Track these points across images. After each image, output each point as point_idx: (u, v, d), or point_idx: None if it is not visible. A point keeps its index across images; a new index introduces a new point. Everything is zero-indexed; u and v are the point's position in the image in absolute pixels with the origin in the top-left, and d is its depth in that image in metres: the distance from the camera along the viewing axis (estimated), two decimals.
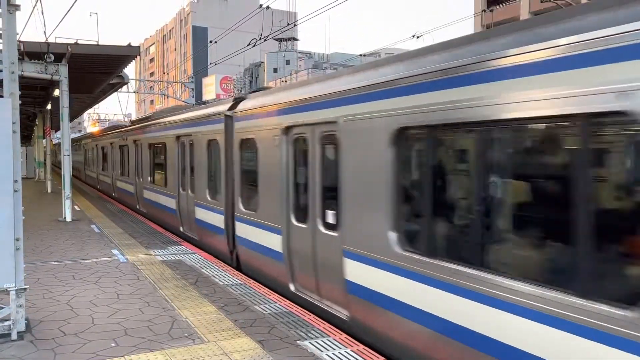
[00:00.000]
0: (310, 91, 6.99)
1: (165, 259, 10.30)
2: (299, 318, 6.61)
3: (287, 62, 77.92)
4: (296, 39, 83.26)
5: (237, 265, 9.71)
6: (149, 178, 16.32)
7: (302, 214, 7.20)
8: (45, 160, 31.34)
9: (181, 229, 12.98)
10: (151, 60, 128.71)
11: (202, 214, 11.25)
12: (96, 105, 45.51)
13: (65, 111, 16.32)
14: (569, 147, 3.87)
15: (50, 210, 18.35)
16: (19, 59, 7.30)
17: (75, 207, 18.83)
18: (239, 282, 8.45)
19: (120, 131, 21.69)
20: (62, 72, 16.01)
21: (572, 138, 3.76)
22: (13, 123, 5.95)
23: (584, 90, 3.53)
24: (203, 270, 9.25)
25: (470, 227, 4.65)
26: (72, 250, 11.22)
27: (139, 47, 17.57)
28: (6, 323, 6.05)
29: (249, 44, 20.95)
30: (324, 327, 6.27)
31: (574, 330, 3.58)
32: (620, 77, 3.34)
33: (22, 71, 14.83)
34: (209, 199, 10.82)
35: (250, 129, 8.75)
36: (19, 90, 6.45)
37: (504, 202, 4.43)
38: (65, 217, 15.89)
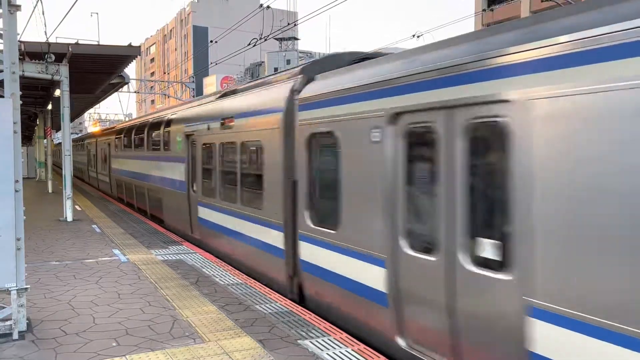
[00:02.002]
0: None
1: (166, 258, 10.31)
2: (299, 317, 6.62)
3: (288, 62, 77.87)
4: (297, 39, 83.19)
5: None
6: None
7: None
8: (46, 160, 31.36)
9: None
10: (152, 60, 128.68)
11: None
12: (97, 105, 45.53)
13: (66, 111, 16.33)
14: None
15: (51, 210, 18.37)
16: (19, 59, 7.30)
17: (76, 207, 18.86)
18: (240, 281, 8.46)
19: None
20: (63, 72, 16.01)
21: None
22: (14, 123, 5.96)
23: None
24: (204, 270, 9.26)
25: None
26: (73, 250, 11.23)
27: (139, 47, 17.58)
28: (7, 323, 6.06)
29: (249, 44, 20.94)
30: (324, 327, 6.27)
31: None
32: None
33: (23, 71, 14.83)
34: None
35: None
36: (20, 90, 6.46)
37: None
38: (66, 217, 15.90)
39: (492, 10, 32.82)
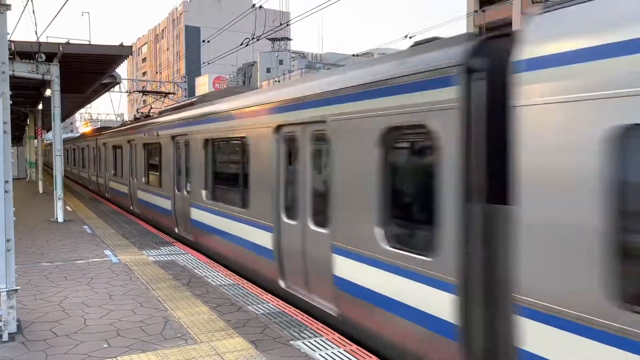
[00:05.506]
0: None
1: (158, 259, 10.27)
2: (291, 318, 6.61)
3: (280, 62, 77.87)
4: (289, 39, 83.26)
5: None
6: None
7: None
8: (36, 160, 31.18)
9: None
10: (144, 60, 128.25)
11: None
12: (88, 105, 45.30)
13: (56, 111, 16.22)
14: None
15: (42, 210, 18.24)
16: (9, 58, 7.26)
17: (67, 207, 18.74)
18: (232, 282, 8.44)
19: None
20: (54, 72, 15.92)
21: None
22: (4, 123, 5.93)
23: None
24: (196, 271, 9.23)
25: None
26: (64, 251, 11.16)
27: (131, 46, 17.49)
28: None
29: (241, 44, 20.92)
30: (316, 327, 6.27)
31: None
32: None
33: (13, 71, 14.74)
34: None
35: None
36: (10, 90, 6.42)
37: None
38: (57, 218, 15.79)
39: (483, 11, 32.98)
